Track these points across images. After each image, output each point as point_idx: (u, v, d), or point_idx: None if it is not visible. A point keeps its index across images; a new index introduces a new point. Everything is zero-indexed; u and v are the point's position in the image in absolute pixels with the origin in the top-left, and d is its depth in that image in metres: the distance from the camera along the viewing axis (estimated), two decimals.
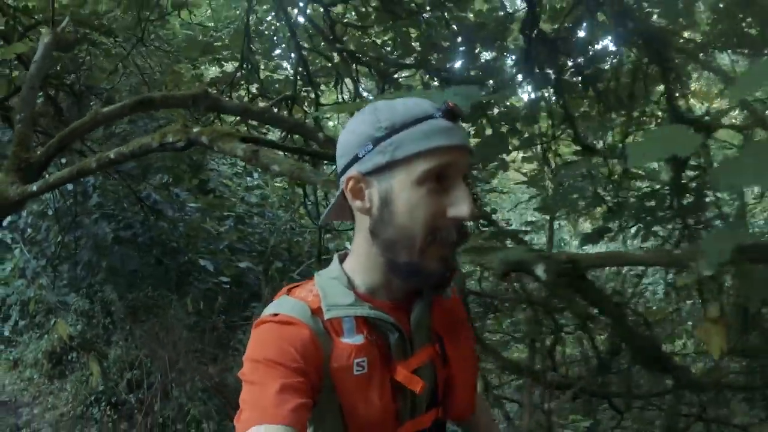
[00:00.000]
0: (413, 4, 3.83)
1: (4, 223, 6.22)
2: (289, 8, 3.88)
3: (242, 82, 4.27)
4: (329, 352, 0.86)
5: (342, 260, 0.99)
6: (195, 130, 2.05)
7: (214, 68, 6.00)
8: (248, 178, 8.09)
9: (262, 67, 4.04)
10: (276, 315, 0.88)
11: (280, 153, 2.07)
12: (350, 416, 0.88)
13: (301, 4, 3.88)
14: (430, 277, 0.88)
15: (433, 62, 3.93)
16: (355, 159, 0.88)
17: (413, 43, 4.01)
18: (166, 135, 2.12)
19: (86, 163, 2.56)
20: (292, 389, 0.79)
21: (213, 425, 3.97)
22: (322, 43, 4.08)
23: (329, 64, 4.08)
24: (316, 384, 0.85)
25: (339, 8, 4.25)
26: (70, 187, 5.92)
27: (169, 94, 2.88)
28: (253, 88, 4.31)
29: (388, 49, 4.19)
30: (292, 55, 4.06)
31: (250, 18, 3.80)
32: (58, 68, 4.75)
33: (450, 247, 0.88)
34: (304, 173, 1.69)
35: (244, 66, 4.02)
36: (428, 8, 3.89)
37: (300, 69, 3.83)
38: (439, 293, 0.98)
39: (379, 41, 4.25)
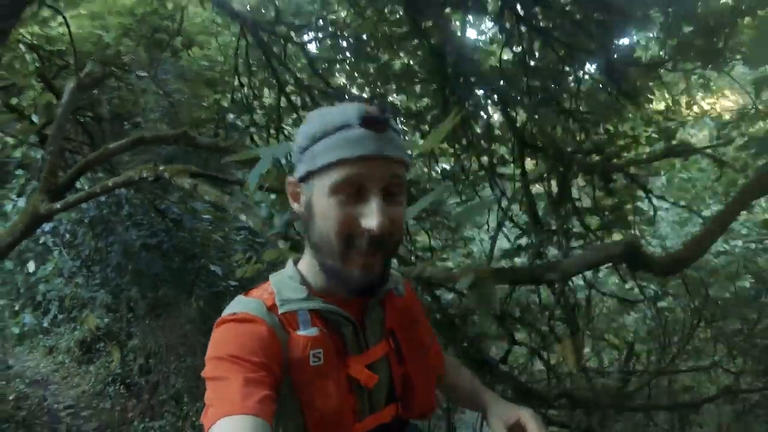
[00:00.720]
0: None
1: (47, 229, 7.23)
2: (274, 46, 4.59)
3: (231, 115, 5.07)
4: (286, 345, 0.88)
5: (296, 262, 1.02)
6: (161, 168, 2.83)
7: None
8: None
9: (251, 98, 4.80)
10: (234, 314, 0.90)
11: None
12: (309, 410, 0.88)
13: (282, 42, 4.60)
14: (350, 281, 0.89)
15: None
16: (294, 166, 0.93)
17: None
18: (143, 171, 2.90)
19: (93, 190, 3.37)
20: (255, 382, 0.80)
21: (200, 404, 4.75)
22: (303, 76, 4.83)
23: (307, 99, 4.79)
24: (279, 377, 0.85)
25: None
26: (103, 198, 6.86)
27: (158, 134, 3.66)
28: (242, 119, 5.10)
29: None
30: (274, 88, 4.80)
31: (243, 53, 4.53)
32: (89, 99, 5.68)
33: (372, 255, 0.88)
34: (224, 201, 2.43)
35: (235, 98, 4.81)
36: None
37: (280, 103, 4.57)
38: (367, 297, 0.97)
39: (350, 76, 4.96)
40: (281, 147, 1.79)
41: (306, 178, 0.90)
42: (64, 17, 4.15)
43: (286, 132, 4.27)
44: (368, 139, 0.84)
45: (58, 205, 3.73)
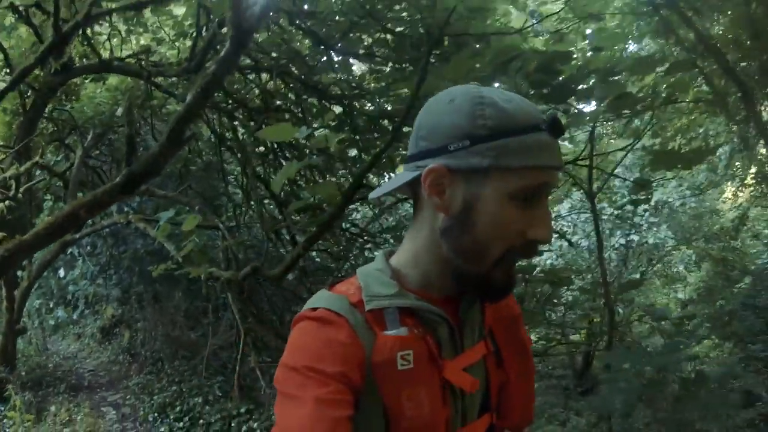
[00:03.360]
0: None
1: None
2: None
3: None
4: (371, 346, 0.78)
5: (388, 256, 0.90)
6: (129, 216, 4.96)
7: None
8: None
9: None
10: (314, 310, 0.80)
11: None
12: (396, 420, 0.78)
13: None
14: (492, 290, 0.82)
15: None
16: (443, 150, 0.77)
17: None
18: (120, 218, 5.05)
19: (95, 227, 5.53)
20: (328, 403, 0.72)
21: (181, 365, 7.00)
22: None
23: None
24: (359, 385, 0.76)
25: None
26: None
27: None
28: None
29: None
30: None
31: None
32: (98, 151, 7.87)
33: (515, 263, 0.82)
34: (150, 228, 4.53)
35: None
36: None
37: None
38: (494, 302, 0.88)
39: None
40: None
41: (473, 172, 0.75)
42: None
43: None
44: (553, 146, 0.77)
45: (77, 236, 5.90)
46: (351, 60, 4.43)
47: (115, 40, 6.37)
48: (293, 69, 4.23)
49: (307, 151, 4.04)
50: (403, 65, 3.91)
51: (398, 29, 3.85)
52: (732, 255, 8.30)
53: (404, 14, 3.84)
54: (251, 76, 4.90)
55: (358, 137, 3.73)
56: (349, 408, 0.74)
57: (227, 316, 6.93)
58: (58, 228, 3.11)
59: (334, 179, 2.90)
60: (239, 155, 4.24)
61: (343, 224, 4.20)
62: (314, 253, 4.72)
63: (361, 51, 4.19)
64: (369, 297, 0.81)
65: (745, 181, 9.44)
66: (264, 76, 4.75)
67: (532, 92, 2.50)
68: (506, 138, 0.74)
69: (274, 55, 4.38)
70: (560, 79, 2.49)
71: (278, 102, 4.78)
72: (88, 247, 10.18)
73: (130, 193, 3.09)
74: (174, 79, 5.01)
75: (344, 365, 0.75)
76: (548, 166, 0.76)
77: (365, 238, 3.91)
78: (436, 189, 0.78)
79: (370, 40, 4.05)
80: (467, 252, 0.79)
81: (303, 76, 4.16)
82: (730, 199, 10.80)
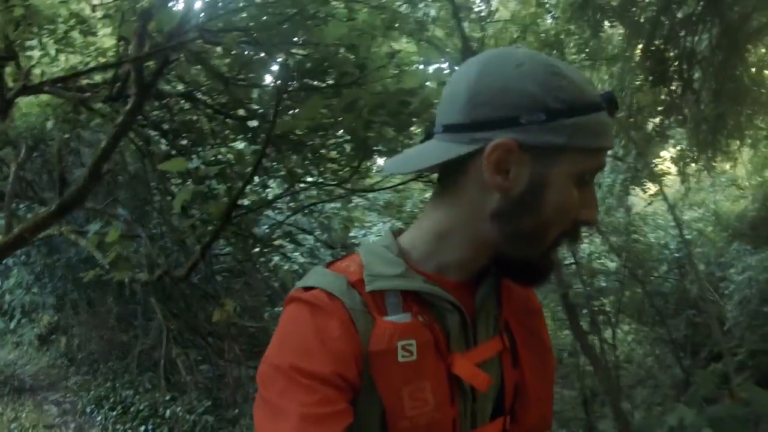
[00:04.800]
0: None
1: None
2: None
3: None
4: (368, 334, 0.68)
5: (397, 234, 0.80)
6: (62, 228, 5.53)
7: None
8: None
9: None
10: (307, 290, 0.71)
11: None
12: (394, 419, 0.68)
13: None
14: (538, 274, 0.75)
15: None
16: (513, 122, 0.66)
17: None
18: (54, 230, 5.61)
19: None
20: (314, 420, 0.62)
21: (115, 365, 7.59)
22: None
23: None
24: (355, 383, 0.67)
25: None
26: None
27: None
28: None
29: None
30: None
31: None
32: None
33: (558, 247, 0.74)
34: (81, 239, 5.12)
35: None
36: None
37: None
38: (530, 286, 0.81)
39: None
40: None
41: (547, 150, 0.67)
42: None
43: None
44: (612, 126, 0.70)
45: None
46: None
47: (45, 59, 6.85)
48: (201, 96, 4.86)
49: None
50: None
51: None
52: (642, 246, 9.18)
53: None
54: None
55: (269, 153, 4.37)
56: (341, 420, 0.64)
57: (157, 317, 7.53)
58: (9, 248, 3.68)
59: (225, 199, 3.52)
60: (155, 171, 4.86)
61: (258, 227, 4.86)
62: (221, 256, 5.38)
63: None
64: (370, 277, 0.71)
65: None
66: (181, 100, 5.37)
67: (375, 124, 3.18)
68: (581, 116, 0.66)
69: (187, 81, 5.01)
70: (407, 111, 3.18)
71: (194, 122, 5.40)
72: (23, 257, 10.36)
73: (63, 217, 3.74)
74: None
75: (337, 363, 0.65)
76: (608, 148, 0.71)
77: (266, 243, 4.63)
78: (499, 166, 0.67)
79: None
80: (526, 236, 0.70)
81: (213, 99, 4.80)
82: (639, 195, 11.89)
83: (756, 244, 8.01)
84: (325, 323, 0.68)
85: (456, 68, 0.89)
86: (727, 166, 8.74)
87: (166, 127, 5.31)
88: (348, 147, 3.92)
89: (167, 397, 5.79)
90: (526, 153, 0.67)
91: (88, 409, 6.36)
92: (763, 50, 6.34)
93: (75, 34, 6.64)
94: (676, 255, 8.22)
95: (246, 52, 4.50)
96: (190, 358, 6.19)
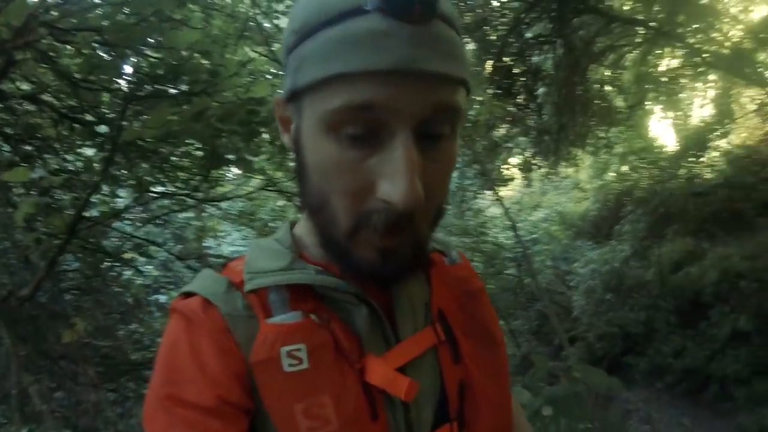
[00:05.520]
0: None
1: None
2: None
3: None
4: (252, 342, 0.56)
5: (294, 225, 0.68)
6: None
7: None
8: None
9: None
10: (186, 296, 0.61)
11: None
12: None
13: None
14: (361, 268, 0.56)
15: None
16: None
17: None
18: None
19: None
20: None
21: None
22: None
23: None
24: (244, 404, 0.56)
25: None
26: None
27: None
28: None
29: None
30: None
31: None
32: None
33: (397, 234, 0.53)
34: None
35: None
36: None
37: None
38: (386, 286, 0.62)
39: None
40: None
41: (294, 96, 0.54)
42: None
43: None
44: (395, 37, 0.47)
45: None
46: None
47: None
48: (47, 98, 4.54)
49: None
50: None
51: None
52: (491, 247, 9.83)
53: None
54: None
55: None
56: None
57: (4, 343, 6.75)
58: None
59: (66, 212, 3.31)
60: None
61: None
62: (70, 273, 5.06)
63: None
64: (250, 274, 0.60)
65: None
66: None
67: (224, 132, 3.19)
68: (306, 39, 0.51)
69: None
70: (255, 121, 3.22)
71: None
72: None
73: None
74: None
75: (217, 387, 0.55)
76: (362, 71, 0.47)
77: (115, 257, 4.38)
78: (284, 125, 0.60)
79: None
80: (311, 209, 0.58)
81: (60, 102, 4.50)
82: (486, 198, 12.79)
83: (597, 240, 8.97)
84: (198, 340, 0.57)
85: None
86: (571, 171, 9.67)
87: (9, 131, 4.85)
88: (199, 155, 3.87)
89: (25, 431, 5.22)
90: (289, 104, 0.58)
91: None
92: (604, 69, 7.13)
93: None
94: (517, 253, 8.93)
95: (98, 53, 4.31)
96: (43, 385, 5.67)
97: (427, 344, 0.63)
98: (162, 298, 4.78)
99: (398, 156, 0.49)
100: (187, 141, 3.66)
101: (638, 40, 6.53)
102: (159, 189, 4.22)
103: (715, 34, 5.49)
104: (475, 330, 0.68)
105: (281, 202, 5.95)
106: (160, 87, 3.57)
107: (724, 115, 6.86)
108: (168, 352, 0.58)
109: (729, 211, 6.06)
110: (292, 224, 0.68)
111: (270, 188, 5.13)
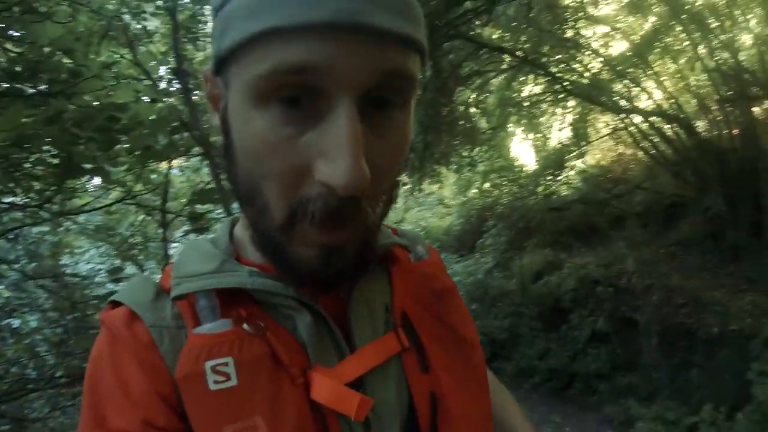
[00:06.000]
0: None
1: None
2: None
3: None
4: (179, 355, 0.49)
5: (235, 224, 0.60)
6: None
7: None
8: None
9: None
10: (111, 307, 0.53)
11: None
12: None
13: None
14: (299, 268, 0.47)
15: None
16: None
17: None
18: None
19: None
20: None
21: None
22: None
23: None
24: (173, 428, 0.48)
25: None
26: None
27: None
28: None
29: None
30: None
31: None
32: None
33: (340, 228, 0.45)
34: None
35: None
36: None
37: None
38: (324, 291, 0.52)
39: None
40: None
41: (221, 66, 0.46)
42: None
43: None
44: None
45: None
46: None
47: None
48: None
49: None
50: None
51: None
52: None
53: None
54: None
55: None
56: None
57: None
58: None
59: None
60: None
61: None
62: None
63: None
64: (177, 279, 0.52)
65: None
66: None
67: (82, 139, 2.89)
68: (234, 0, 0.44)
69: None
70: (115, 128, 2.95)
71: None
72: None
73: None
74: None
75: (141, 410, 0.48)
76: (293, 27, 0.40)
77: None
78: (214, 103, 0.52)
79: None
80: (240, 198, 0.50)
81: None
82: None
83: (461, 253, 9.47)
84: (121, 358, 0.50)
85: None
86: (435, 188, 10.15)
87: None
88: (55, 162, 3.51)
89: None
90: (218, 78, 0.49)
91: None
92: (470, 92, 7.60)
93: None
94: None
95: None
96: None
97: (388, 352, 0.55)
98: (15, 323, 4.15)
99: (339, 130, 0.41)
100: (43, 147, 3.28)
101: (504, 66, 7.06)
102: (9, 199, 3.73)
103: (576, 65, 6.14)
104: (445, 334, 0.59)
105: (141, 217, 5.51)
106: (17, 85, 3.17)
107: (581, 137, 7.64)
108: (92, 372, 0.51)
109: (584, 224, 6.73)
110: (234, 222, 0.61)
111: (129, 201, 4.79)
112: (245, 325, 0.49)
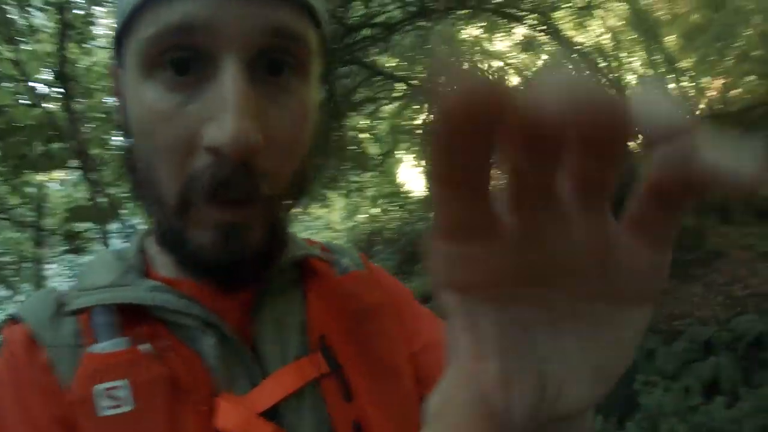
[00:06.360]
0: None
1: None
2: None
3: None
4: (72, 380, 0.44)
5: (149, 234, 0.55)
6: None
7: None
8: None
9: None
10: (13, 323, 0.49)
11: None
12: None
13: None
14: (199, 255, 0.43)
15: None
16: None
17: None
18: None
19: None
20: None
21: None
22: None
23: None
24: None
25: None
26: None
27: None
28: None
29: None
30: None
31: None
32: None
33: (235, 205, 0.42)
34: None
35: None
36: None
37: None
38: (234, 286, 0.48)
39: None
40: None
41: (119, 51, 0.46)
42: None
43: None
44: None
45: None
46: None
47: None
48: None
49: None
50: None
51: None
52: None
53: None
54: None
55: None
56: None
57: None
58: None
59: None
60: None
61: None
62: None
63: None
64: (76, 292, 0.48)
65: None
66: None
67: None
68: None
69: None
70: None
71: None
72: None
73: None
74: None
75: None
76: None
77: None
78: (119, 96, 0.48)
79: None
80: (136, 185, 0.47)
81: None
82: None
83: None
84: (20, 378, 0.45)
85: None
86: (323, 212, 10.10)
87: None
88: None
89: None
90: (119, 69, 0.46)
91: None
92: (362, 118, 7.68)
93: None
94: None
95: None
96: None
97: (304, 378, 0.49)
98: None
99: (223, 87, 0.39)
100: None
101: (396, 94, 7.24)
102: None
103: None
104: (370, 358, 0.53)
105: (15, 234, 4.98)
106: None
107: None
108: None
109: None
110: (148, 234, 0.54)
111: (0, 216, 4.35)
112: (141, 346, 0.45)
